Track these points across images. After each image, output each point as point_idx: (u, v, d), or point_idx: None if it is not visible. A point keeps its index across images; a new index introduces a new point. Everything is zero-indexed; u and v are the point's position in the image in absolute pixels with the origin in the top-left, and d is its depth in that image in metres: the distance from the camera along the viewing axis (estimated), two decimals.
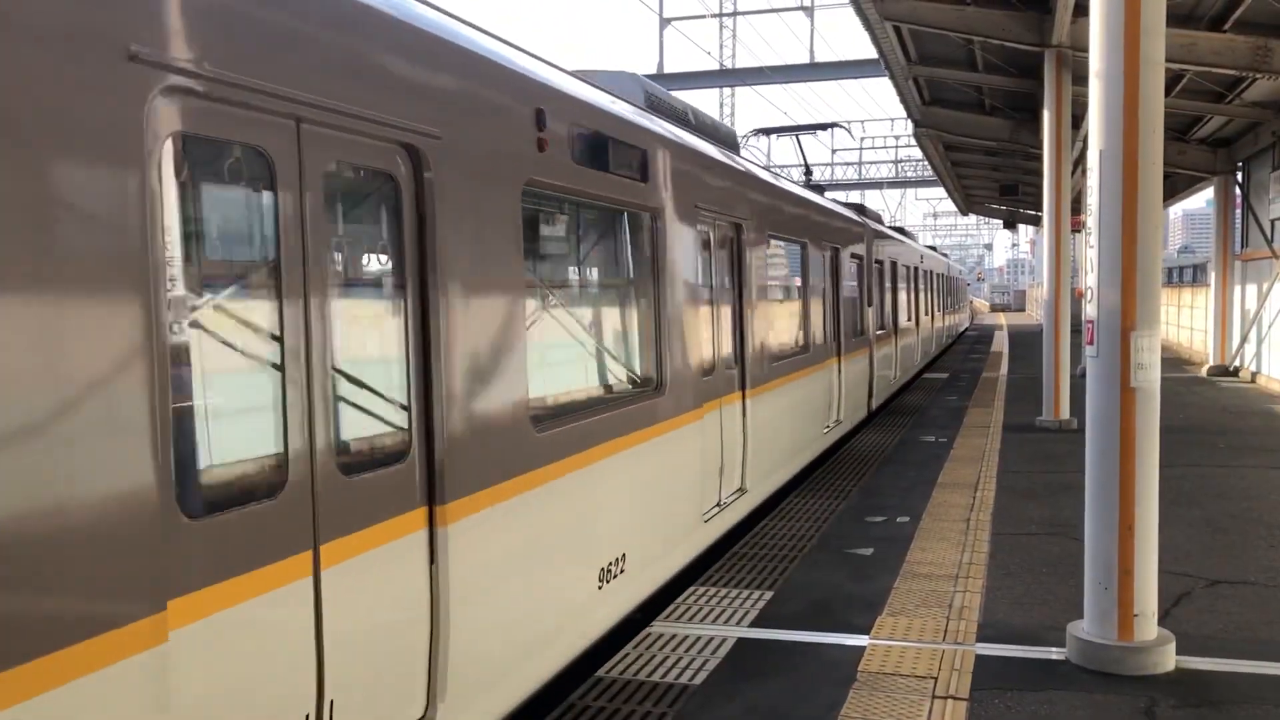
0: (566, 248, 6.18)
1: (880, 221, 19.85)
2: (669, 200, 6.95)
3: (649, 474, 6.54)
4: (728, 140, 9.55)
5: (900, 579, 7.26)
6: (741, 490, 8.76)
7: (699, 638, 6.14)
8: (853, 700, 5.18)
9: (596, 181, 5.79)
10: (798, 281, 11.31)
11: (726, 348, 8.44)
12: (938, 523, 8.92)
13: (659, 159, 6.79)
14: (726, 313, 8.52)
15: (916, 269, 23.26)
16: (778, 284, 10.37)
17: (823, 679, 5.48)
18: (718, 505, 8.10)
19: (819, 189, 16.11)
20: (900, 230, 25.25)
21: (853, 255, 14.16)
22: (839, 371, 13.15)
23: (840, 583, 7.22)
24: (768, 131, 17.23)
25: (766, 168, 10.99)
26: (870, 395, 15.69)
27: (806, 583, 7.24)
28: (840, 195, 38.83)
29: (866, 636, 6.11)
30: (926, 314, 26.10)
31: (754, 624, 6.39)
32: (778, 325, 10.21)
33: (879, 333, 16.61)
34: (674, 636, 6.17)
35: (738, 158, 9.36)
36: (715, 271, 8.23)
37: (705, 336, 7.86)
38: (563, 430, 5.29)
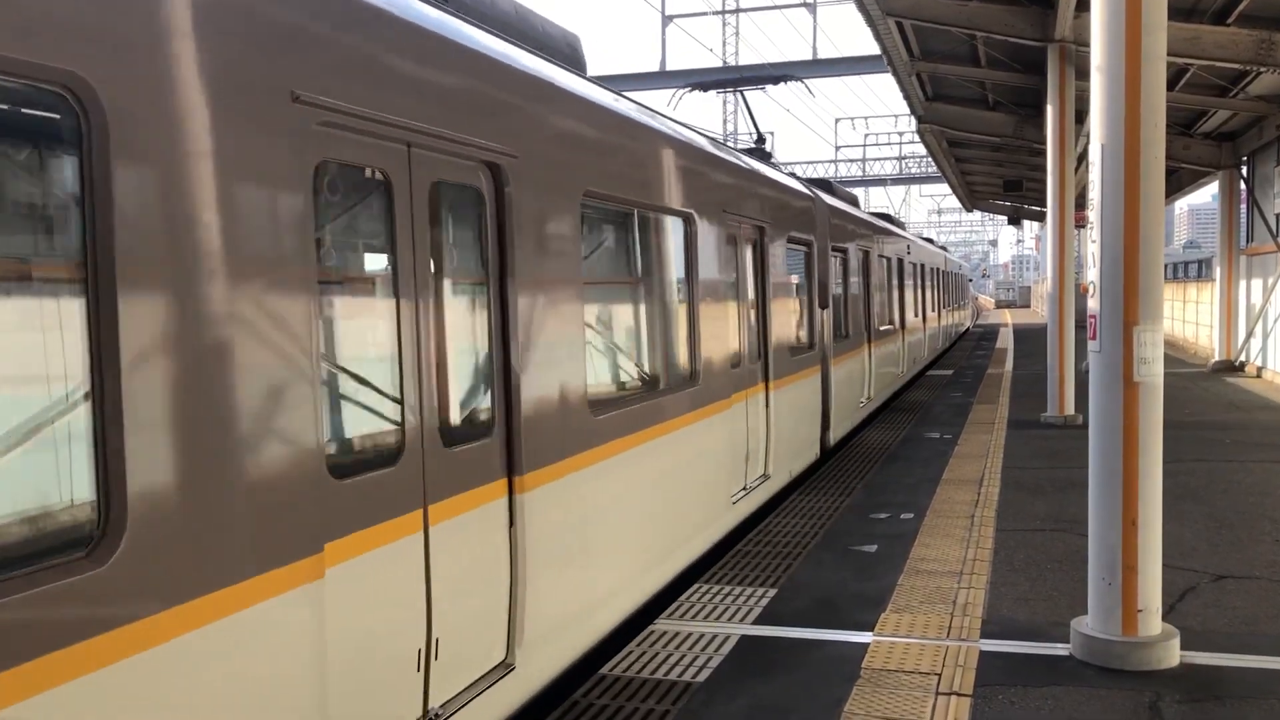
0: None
1: (854, 203, 16.95)
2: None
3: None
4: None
5: (904, 575, 7.26)
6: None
7: (703, 635, 6.14)
8: (856, 697, 5.17)
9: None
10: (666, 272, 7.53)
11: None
12: (942, 519, 8.91)
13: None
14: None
15: (901, 262, 20.15)
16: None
17: (827, 676, 5.47)
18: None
19: (765, 155, 12.66)
20: (885, 217, 21.70)
21: (793, 241, 10.79)
22: (753, 409, 9.19)
23: (844, 579, 7.21)
24: (705, 86, 13.69)
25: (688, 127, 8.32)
26: (826, 425, 12.35)
27: (810, 580, 7.23)
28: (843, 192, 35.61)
29: (870, 633, 6.11)
30: (915, 315, 22.78)
31: (758, 621, 6.39)
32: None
33: (845, 343, 13.69)
34: (677, 634, 6.17)
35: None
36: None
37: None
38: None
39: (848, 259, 13.98)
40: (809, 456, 11.40)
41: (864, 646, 5.89)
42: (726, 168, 8.44)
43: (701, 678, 5.48)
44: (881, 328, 16.60)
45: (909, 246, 21.75)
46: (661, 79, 35.87)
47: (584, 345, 5.58)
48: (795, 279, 11.13)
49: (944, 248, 42.05)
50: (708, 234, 7.77)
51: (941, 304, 30.34)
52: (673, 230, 7.42)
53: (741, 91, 14.33)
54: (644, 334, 7.14)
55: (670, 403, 6.96)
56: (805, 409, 11.05)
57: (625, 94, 7.17)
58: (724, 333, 8.23)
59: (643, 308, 7.12)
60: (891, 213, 35.51)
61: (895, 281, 19.13)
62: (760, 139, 13.45)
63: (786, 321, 10.25)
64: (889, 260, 18.18)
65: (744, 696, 5.23)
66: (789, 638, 6.09)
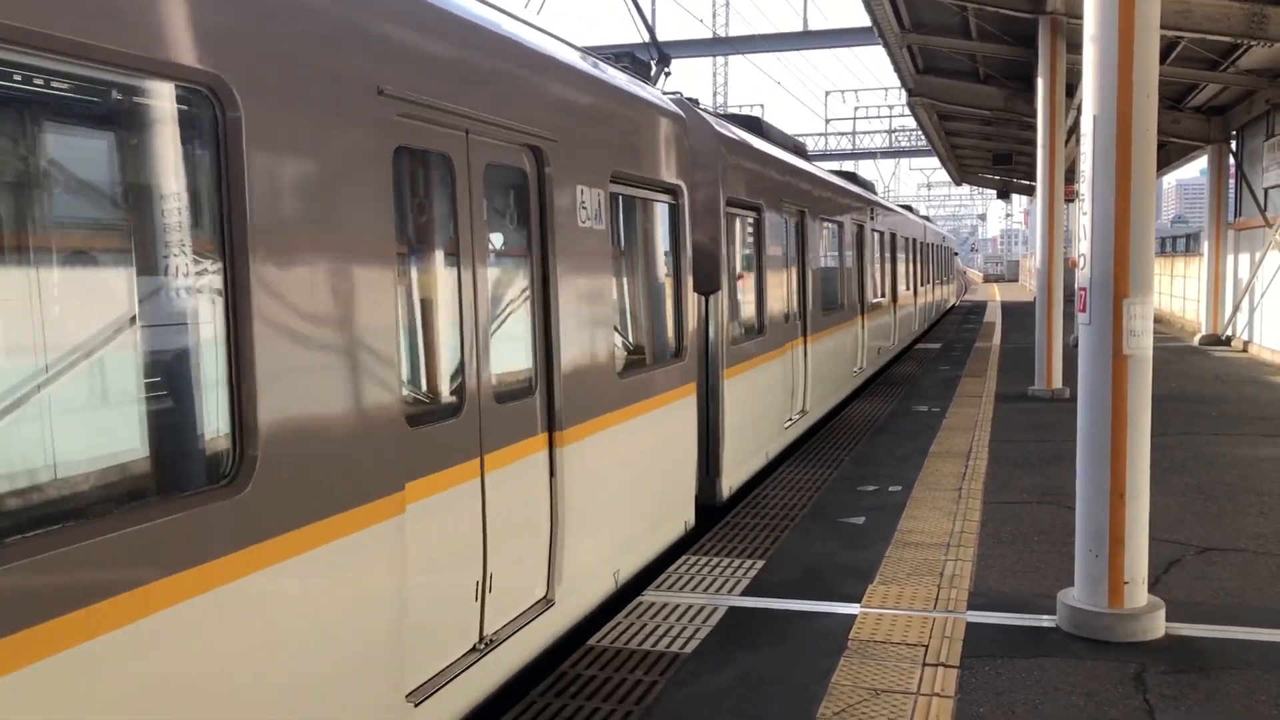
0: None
1: (799, 153, 13.08)
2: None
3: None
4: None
5: (892, 547, 7.27)
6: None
7: (690, 606, 6.15)
8: (843, 668, 5.19)
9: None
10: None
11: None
12: (930, 491, 8.93)
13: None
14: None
15: (861, 229, 15.87)
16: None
17: (814, 647, 5.48)
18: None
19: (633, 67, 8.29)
20: (849, 176, 18.24)
21: (663, 190, 7.17)
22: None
23: (832, 551, 7.23)
24: None
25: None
26: (712, 470, 8.57)
27: (798, 551, 7.24)
28: (834, 165, 29.65)
29: (858, 605, 6.12)
30: (881, 295, 18.31)
31: (745, 593, 6.39)
32: None
33: (755, 342, 9.59)
34: (665, 605, 6.17)
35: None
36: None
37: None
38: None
39: (764, 221, 9.81)
40: (675, 516, 7.38)
41: (851, 618, 5.90)
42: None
43: (689, 649, 5.49)
44: (827, 316, 12.90)
45: (873, 210, 17.33)
46: (651, 49, 35.58)
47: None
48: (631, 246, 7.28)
49: (926, 217, 36.30)
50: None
51: (920, 280, 25.82)
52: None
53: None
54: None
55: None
56: (666, 447, 7.13)
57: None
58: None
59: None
60: (879, 186, 33.45)
61: (853, 254, 15.19)
62: (654, 39, 9.16)
63: (581, 316, 5.73)
64: (840, 227, 14.12)
65: (732, 667, 5.24)
66: (777, 609, 6.09)
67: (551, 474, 5.34)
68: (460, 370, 4.55)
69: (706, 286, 8.42)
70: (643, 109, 6.88)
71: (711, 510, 8.46)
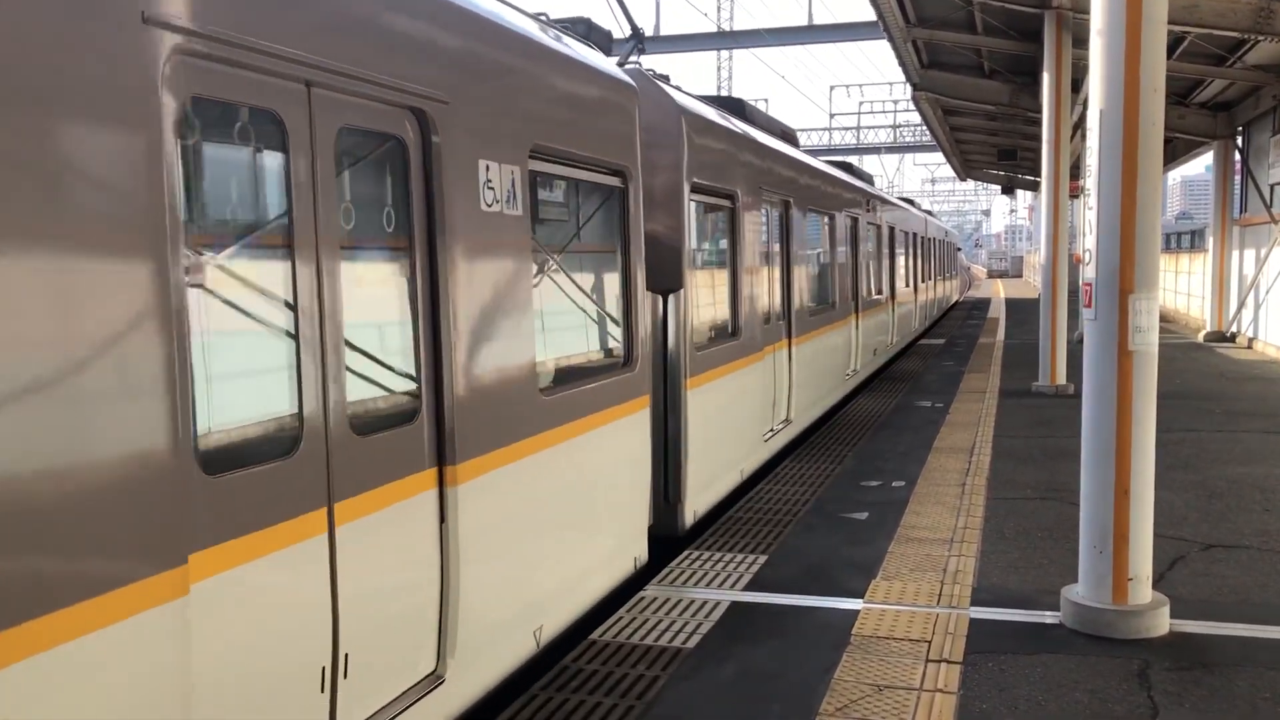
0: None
1: (789, 140, 12.22)
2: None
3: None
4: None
5: (895, 543, 7.25)
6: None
7: (693, 601, 6.13)
8: (846, 663, 5.17)
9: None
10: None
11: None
12: (933, 487, 8.91)
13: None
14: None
15: (856, 222, 14.81)
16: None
17: (816, 642, 5.47)
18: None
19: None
20: (845, 166, 17.03)
21: (606, 170, 6.14)
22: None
23: (835, 547, 7.21)
24: None
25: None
26: (672, 496, 7.53)
27: (801, 547, 7.23)
28: (837, 160, 28.95)
29: (860, 600, 6.10)
30: (878, 293, 17.09)
31: (748, 588, 6.38)
32: None
33: (729, 347, 8.53)
34: (667, 600, 6.16)
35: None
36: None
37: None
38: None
39: (740, 211, 8.83)
40: (621, 552, 6.45)
41: (854, 613, 5.89)
42: None
43: (691, 643, 5.48)
44: (815, 315, 11.96)
45: (870, 203, 16.49)
46: (656, 44, 35.59)
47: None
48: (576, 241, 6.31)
49: (929, 211, 35.27)
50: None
51: (921, 277, 24.76)
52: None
53: None
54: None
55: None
56: (608, 473, 6.16)
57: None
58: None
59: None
60: (883, 182, 33.17)
61: (846, 249, 14.24)
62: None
63: (486, 321, 4.77)
64: (831, 219, 13.19)
65: (734, 662, 5.22)
66: (779, 604, 6.08)
67: (442, 519, 4.32)
68: (296, 393, 3.55)
69: (665, 284, 7.36)
70: (577, 74, 5.71)
71: (673, 541, 7.42)
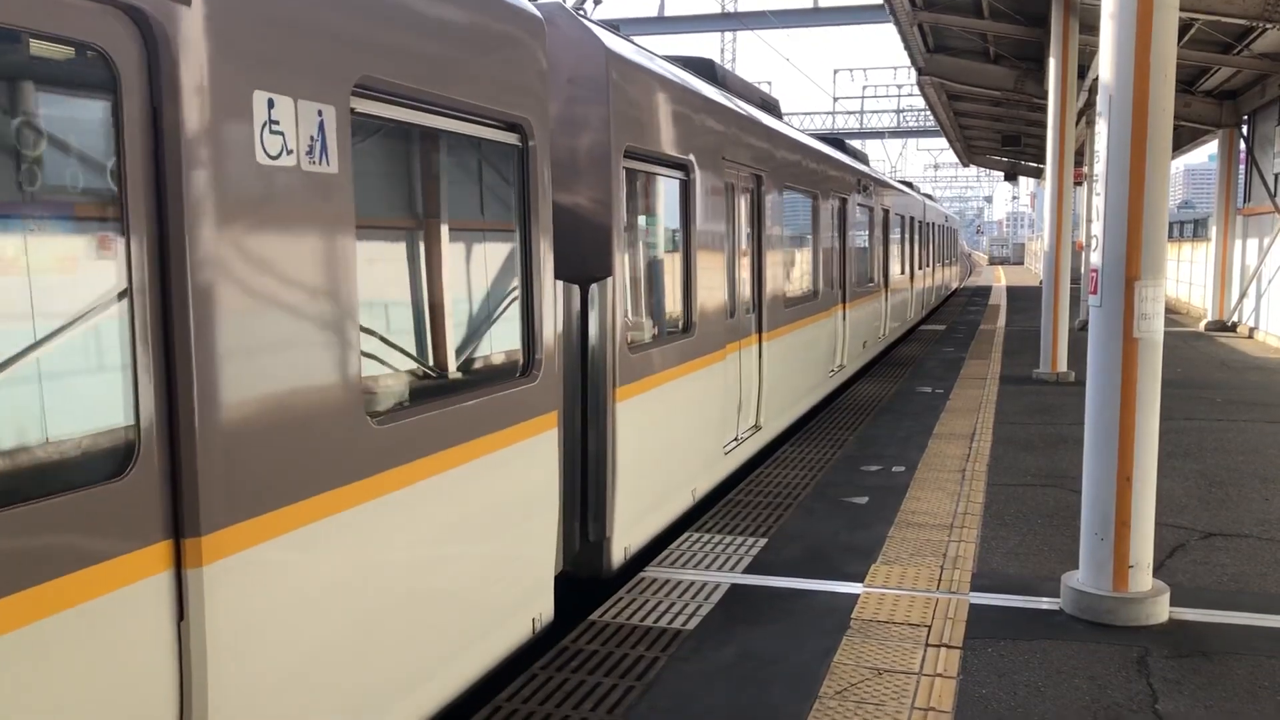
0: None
1: (771, 111, 11.18)
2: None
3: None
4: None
5: (895, 528, 7.25)
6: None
7: (692, 583, 6.13)
8: (846, 647, 5.17)
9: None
10: None
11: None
12: (933, 472, 8.90)
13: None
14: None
15: (845, 203, 13.75)
16: None
17: (816, 626, 5.47)
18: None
19: None
20: (836, 143, 15.65)
21: (489, 123, 4.79)
22: None
23: (835, 531, 7.21)
24: None
25: None
26: (590, 526, 6.49)
27: (801, 530, 7.23)
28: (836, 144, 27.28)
29: (860, 584, 6.10)
30: (870, 280, 16.15)
31: (748, 570, 6.38)
32: None
33: (706, 335, 7.82)
34: (667, 581, 6.16)
35: None
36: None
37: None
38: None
39: (695, 184, 7.52)
40: (511, 615, 5.16)
41: (854, 597, 5.89)
42: None
43: (691, 625, 5.48)
44: (793, 306, 10.82)
45: (862, 183, 15.28)
46: (659, 25, 35.43)
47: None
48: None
49: (928, 195, 33.82)
50: None
51: (918, 263, 23.47)
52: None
53: None
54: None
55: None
56: (491, 517, 4.93)
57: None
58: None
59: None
60: (885, 166, 32.85)
61: (833, 233, 13.15)
62: None
63: (261, 324, 3.35)
64: (815, 199, 12.01)
65: (733, 644, 5.23)
66: (779, 587, 6.08)
67: (181, 615, 3.00)
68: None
69: (587, 271, 6.08)
70: None
71: (596, 583, 6.25)
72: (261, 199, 3.23)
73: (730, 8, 43.14)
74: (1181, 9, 12.74)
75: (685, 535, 7.10)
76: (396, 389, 4.18)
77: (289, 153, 3.35)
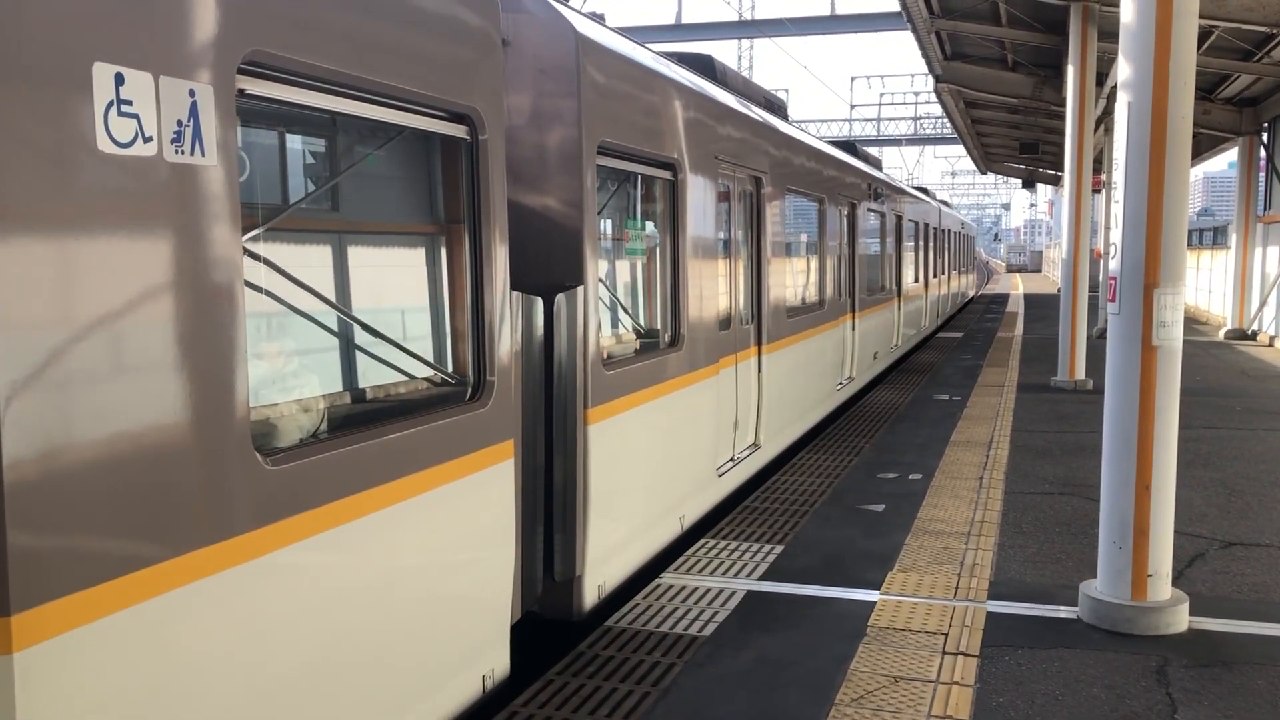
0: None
1: (777, 111, 10.72)
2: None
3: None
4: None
5: (912, 535, 7.23)
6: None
7: (709, 589, 6.13)
8: (862, 654, 5.16)
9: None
10: None
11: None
12: (950, 480, 8.88)
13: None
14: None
15: (854, 209, 13.30)
16: None
17: (832, 633, 5.46)
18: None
19: None
20: (846, 146, 15.15)
21: (428, 112, 4.17)
22: None
23: (851, 538, 7.20)
24: None
25: None
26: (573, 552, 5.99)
27: (817, 537, 7.22)
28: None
29: (877, 592, 6.09)
30: (881, 289, 15.60)
31: (764, 577, 6.38)
32: None
33: (696, 348, 7.26)
34: (684, 588, 6.16)
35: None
36: None
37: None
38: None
39: (683, 186, 6.94)
40: (457, 673, 4.54)
41: (870, 604, 5.88)
42: None
43: (708, 631, 5.48)
44: (797, 317, 10.29)
45: (873, 188, 14.68)
46: (677, 31, 35.48)
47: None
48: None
49: (944, 201, 33.19)
50: None
51: (933, 271, 22.79)
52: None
53: None
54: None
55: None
56: (432, 564, 4.35)
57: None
58: None
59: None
60: (902, 174, 32.83)
61: (842, 241, 12.70)
62: None
63: (100, 351, 2.69)
64: (821, 204, 11.49)
65: (750, 651, 5.23)
66: (795, 594, 6.08)
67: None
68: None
69: (554, 279, 5.49)
70: None
71: (571, 626, 5.71)
72: (104, 192, 2.65)
73: (748, 15, 43.19)
74: (1202, 16, 12.76)
75: (701, 542, 7.10)
76: (302, 421, 3.60)
77: (146, 140, 2.76)
